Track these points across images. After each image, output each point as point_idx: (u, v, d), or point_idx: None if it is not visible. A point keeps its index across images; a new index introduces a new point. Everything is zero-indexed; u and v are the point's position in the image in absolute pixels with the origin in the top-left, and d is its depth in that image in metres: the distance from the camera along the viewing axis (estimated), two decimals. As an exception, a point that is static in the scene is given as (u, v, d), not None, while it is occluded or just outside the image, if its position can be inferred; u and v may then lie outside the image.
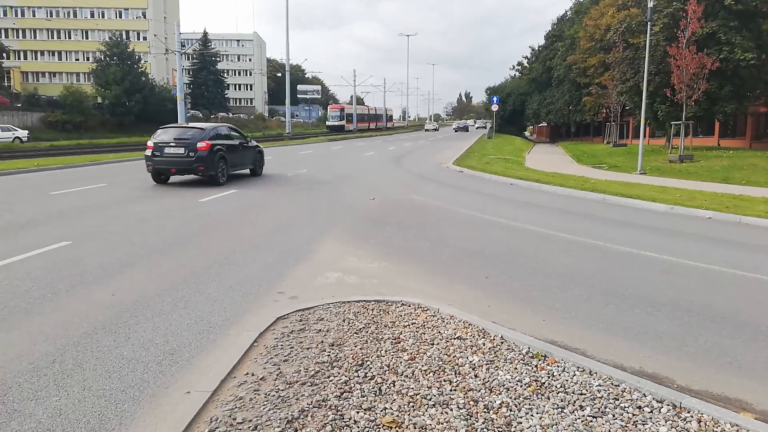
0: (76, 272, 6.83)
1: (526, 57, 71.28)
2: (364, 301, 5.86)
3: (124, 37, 63.72)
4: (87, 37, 77.51)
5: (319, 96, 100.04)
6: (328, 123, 77.51)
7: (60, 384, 4.02)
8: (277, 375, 4.11)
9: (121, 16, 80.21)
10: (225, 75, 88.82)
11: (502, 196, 15.40)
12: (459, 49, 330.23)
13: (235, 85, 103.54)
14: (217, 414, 3.56)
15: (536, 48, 67.25)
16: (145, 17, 79.22)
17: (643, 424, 3.50)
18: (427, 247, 8.77)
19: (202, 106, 75.71)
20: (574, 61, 46.75)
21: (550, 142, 63.76)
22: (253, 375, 4.11)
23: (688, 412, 3.64)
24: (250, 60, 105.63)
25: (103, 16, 79.13)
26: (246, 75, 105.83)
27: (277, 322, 5.23)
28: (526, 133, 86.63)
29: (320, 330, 5.02)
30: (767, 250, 9.03)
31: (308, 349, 4.60)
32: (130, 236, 9.10)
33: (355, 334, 4.94)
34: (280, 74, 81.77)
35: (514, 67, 76.75)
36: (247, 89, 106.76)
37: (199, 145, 15.05)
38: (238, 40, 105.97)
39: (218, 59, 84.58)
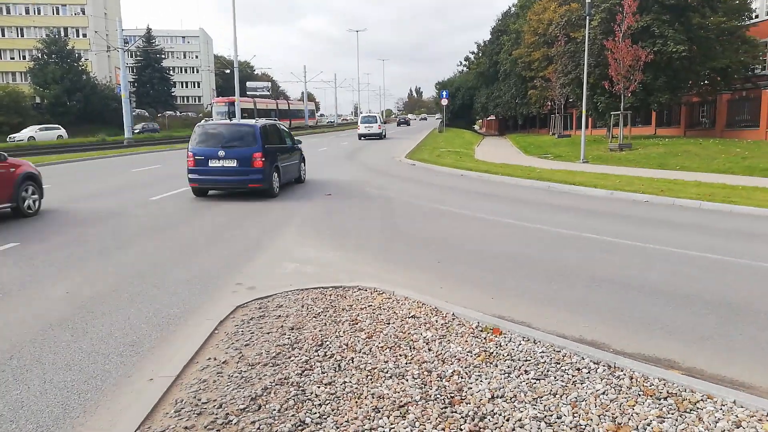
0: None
1: (473, 52, 72.55)
2: (322, 287, 6.04)
3: (62, 34, 61.18)
4: (22, 35, 73.91)
5: (269, 93, 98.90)
6: None
7: (19, 378, 4.03)
8: (239, 358, 4.25)
9: (58, 12, 76.89)
10: (171, 72, 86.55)
11: (453, 186, 15.80)
12: (409, 41, 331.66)
13: (182, 82, 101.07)
14: (181, 396, 3.67)
15: (482, 43, 68.56)
16: (84, 13, 76.17)
17: (581, 383, 3.83)
18: (382, 236, 9.01)
19: (148, 105, 73.63)
20: (519, 55, 47.98)
21: (499, 134, 65.22)
22: (215, 359, 4.23)
23: (622, 371, 4.00)
24: (196, 57, 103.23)
25: (39, 12, 75.63)
26: (193, 72, 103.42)
27: (237, 310, 5.35)
28: (476, 127, 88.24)
29: (280, 316, 5.18)
30: (697, 228, 9.69)
31: (269, 333, 4.75)
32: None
33: (314, 318, 5.12)
34: (228, 71, 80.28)
35: (461, 62, 77.92)
36: (194, 86, 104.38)
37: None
38: (184, 37, 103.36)
39: (163, 56, 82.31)
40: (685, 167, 18.49)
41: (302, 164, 16.12)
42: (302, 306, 5.45)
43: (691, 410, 3.46)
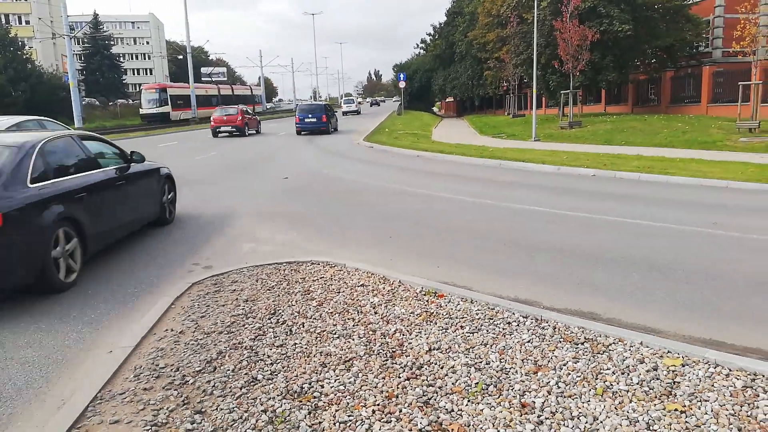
0: None
1: (430, 34, 72.89)
2: (276, 263, 6.30)
3: (3, 21, 58.47)
4: (-42, 23, 70.21)
5: (225, 78, 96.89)
6: (142, 111, 52.05)
7: (-20, 356, 4.18)
8: (195, 328, 4.50)
9: (-4, -2, 73.27)
10: (121, 59, 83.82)
11: (409, 167, 16.16)
12: (370, 25, 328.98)
13: (134, 69, 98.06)
14: (140, 363, 3.91)
15: (438, 25, 68.86)
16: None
17: (510, 334, 4.24)
18: (337, 216, 9.29)
19: (98, 93, 71.26)
20: (474, 37, 48.44)
21: (457, 116, 65.93)
22: (172, 330, 4.47)
23: (547, 323, 4.42)
24: (147, 43, 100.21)
25: (-25, -1, 71.97)
26: (144, 59, 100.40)
27: (193, 287, 5.57)
28: (435, 109, 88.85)
29: (234, 290, 5.43)
30: (634, 198, 10.31)
31: (224, 305, 5.00)
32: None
33: (268, 291, 5.39)
34: (181, 57, 78.30)
35: (418, 45, 78.08)
36: (146, 73, 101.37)
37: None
38: (133, 22, 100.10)
39: (112, 43, 79.52)
40: (629, 142, 19.32)
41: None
42: (257, 280, 5.71)
43: (603, 352, 3.90)
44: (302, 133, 30.36)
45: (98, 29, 77.17)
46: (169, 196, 8.73)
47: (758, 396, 3.25)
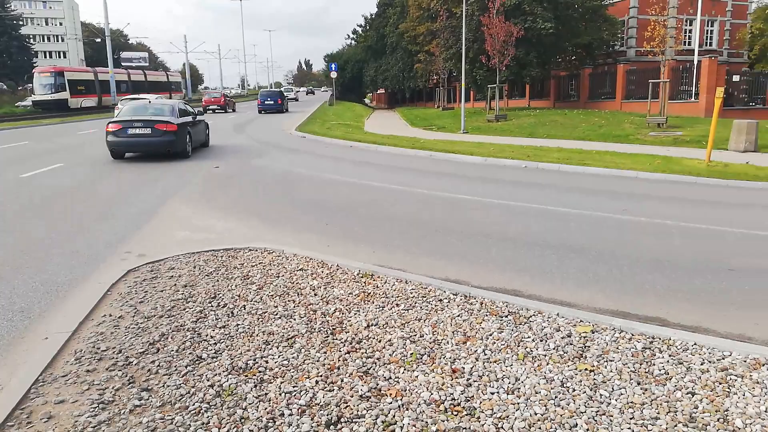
0: None
1: (360, 25, 72.79)
2: (213, 250, 6.34)
3: None
4: None
5: (147, 64, 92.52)
6: (34, 98, 45.05)
7: None
8: (135, 313, 4.52)
9: None
10: (32, 41, 78.32)
11: (342, 157, 16.32)
12: (300, 12, 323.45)
13: (46, 52, 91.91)
14: (80, 347, 3.92)
15: (369, 16, 68.97)
16: None
17: (442, 310, 4.56)
18: (272, 205, 9.35)
19: (5, 77, 66.37)
20: (405, 29, 48.99)
21: (389, 108, 66.48)
22: (110, 316, 4.47)
23: (475, 299, 4.79)
24: (60, 24, 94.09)
25: None
26: (58, 41, 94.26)
27: (128, 274, 5.54)
28: (367, 100, 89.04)
29: (172, 276, 5.45)
30: (554, 187, 10.99)
31: (162, 291, 5.03)
32: (-56, 215, 8.41)
33: (207, 277, 5.45)
34: (99, 40, 74.11)
35: (349, 36, 77.85)
36: (59, 57, 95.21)
37: None
38: (45, 2, 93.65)
39: (22, 23, 74.15)
40: (551, 135, 20.36)
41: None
42: (194, 267, 5.75)
43: (524, 323, 4.29)
44: (263, 112, 39.69)
45: (5, 8, 71.76)
46: (207, 132, 17.89)
47: (655, 355, 3.72)
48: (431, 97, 57.65)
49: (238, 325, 4.28)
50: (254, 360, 3.70)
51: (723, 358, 3.66)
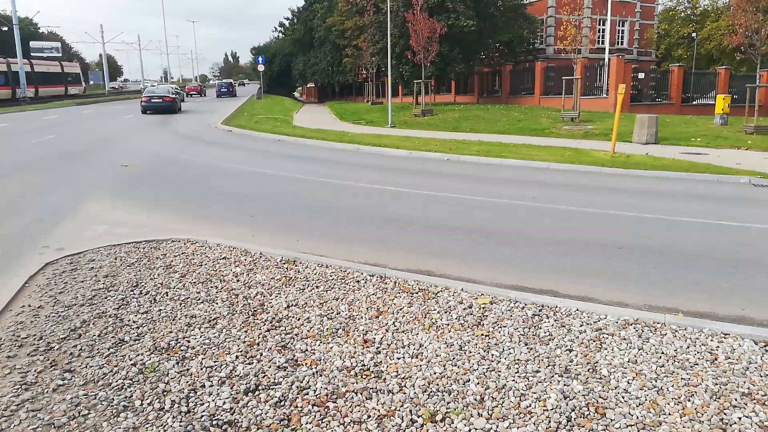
0: None
1: (288, 18, 71.90)
2: (135, 242, 6.38)
3: None
4: None
5: (60, 54, 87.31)
6: None
7: None
8: (55, 303, 4.57)
9: None
10: (-74, 27, 71.91)
11: (270, 151, 16.35)
12: (226, 2, 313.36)
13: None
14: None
15: (297, 9, 68.25)
16: None
17: (358, 290, 4.90)
18: (196, 198, 9.37)
19: None
20: (333, 23, 48.98)
21: (319, 102, 66.25)
22: (30, 306, 4.50)
23: (389, 279, 5.16)
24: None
25: None
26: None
27: (46, 267, 5.51)
28: (297, 94, 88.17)
29: (93, 267, 5.48)
30: (473, 178, 11.60)
31: (83, 282, 5.07)
32: None
33: (128, 267, 5.52)
34: (6, 28, 69.13)
35: (276, 28, 76.70)
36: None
37: None
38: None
39: None
40: (474, 129, 21.21)
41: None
42: (115, 258, 5.79)
43: (432, 298, 4.70)
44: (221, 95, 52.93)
45: None
46: (181, 103, 35.32)
47: (542, 320, 4.22)
48: (361, 91, 57.95)
49: (160, 310, 4.43)
50: (177, 340, 3.89)
51: (599, 321, 4.20)
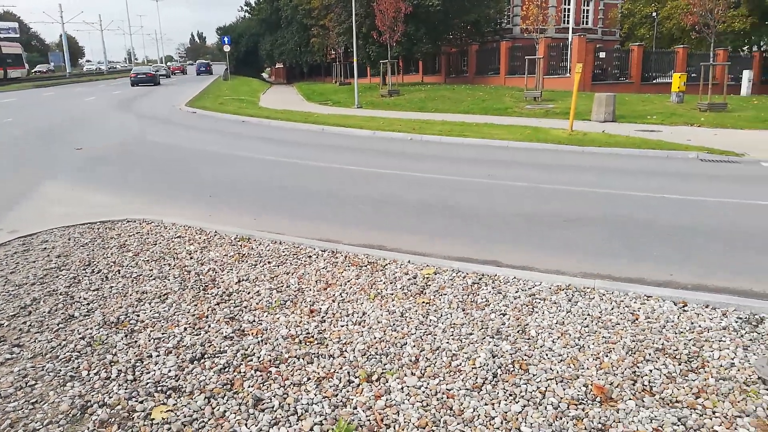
0: None
1: (254, -3, 70.48)
2: (90, 222, 6.40)
3: None
4: None
5: (18, 35, 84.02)
6: None
7: None
8: (6, 282, 4.61)
9: None
10: None
11: (234, 132, 16.25)
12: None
13: None
14: (-53, 316, 4.00)
15: (262, -12, 66.88)
16: None
17: (309, 264, 5.05)
18: (154, 179, 9.35)
19: None
20: (299, 2, 48.26)
21: (287, 82, 65.41)
22: (-21, 286, 4.53)
23: (340, 253, 5.32)
24: None
25: None
26: None
27: (-2, 248, 5.51)
28: (265, 75, 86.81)
29: (45, 248, 5.51)
30: (434, 157, 11.79)
31: (34, 262, 5.11)
32: None
33: (82, 247, 5.56)
34: (-44, 7, 66.05)
35: (242, 8, 75.15)
36: None
37: None
38: None
39: None
40: (439, 109, 21.38)
41: None
42: (69, 239, 5.81)
43: (380, 270, 4.88)
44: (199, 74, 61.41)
45: None
46: (161, 78, 47.88)
47: (480, 288, 4.45)
48: (330, 72, 57.37)
49: (111, 287, 4.52)
50: (126, 315, 3.99)
51: (534, 287, 4.45)
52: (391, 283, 4.57)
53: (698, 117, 16.86)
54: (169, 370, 3.27)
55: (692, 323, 3.85)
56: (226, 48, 48.31)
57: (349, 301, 4.23)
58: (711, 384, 3.12)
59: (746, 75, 27.02)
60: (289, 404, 2.96)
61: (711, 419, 2.82)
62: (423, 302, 4.19)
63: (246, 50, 70.22)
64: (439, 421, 2.83)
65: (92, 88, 41.84)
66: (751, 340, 3.62)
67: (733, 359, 3.37)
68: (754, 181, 9.10)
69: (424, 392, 3.07)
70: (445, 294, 4.33)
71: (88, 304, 4.18)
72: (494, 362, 3.33)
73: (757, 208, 7.28)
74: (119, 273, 4.83)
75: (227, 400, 2.99)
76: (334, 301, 4.25)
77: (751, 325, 3.83)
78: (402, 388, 3.10)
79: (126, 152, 12.13)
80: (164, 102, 27.24)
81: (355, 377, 3.22)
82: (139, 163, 10.90)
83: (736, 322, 3.86)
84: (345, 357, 3.44)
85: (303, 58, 56.29)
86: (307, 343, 3.61)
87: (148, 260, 5.17)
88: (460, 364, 3.35)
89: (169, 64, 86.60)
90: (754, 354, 3.43)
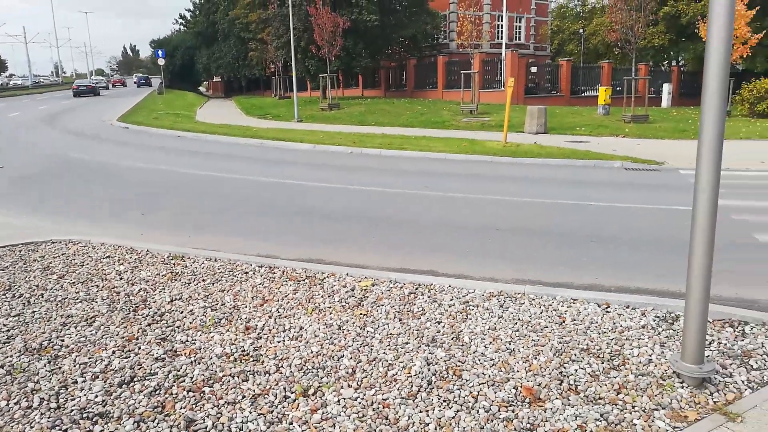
0: None
1: (189, 10, 69.14)
2: (11, 245, 6.07)
3: None
4: None
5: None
6: None
7: None
8: None
9: None
10: None
11: (169, 147, 15.83)
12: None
13: None
14: None
15: (198, 1, 65.78)
16: None
17: (245, 281, 4.99)
18: (83, 199, 8.99)
19: None
20: (236, 16, 47.73)
21: (225, 96, 64.30)
22: None
23: (278, 269, 5.28)
24: None
25: None
26: None
27: None
28: (202, 89, 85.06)
29: (-40, 273, 5.18)
30: (373, 170, 11.90)
31: (-52, 288, 4.79)
32: None
33: (1, 271, 5.27)
34: None
35: (177, 20, 73.57)
36: None
37: None
38: None
39: None
40: (379, 123, 21.60)
41: None
42: (-12, 263, 5.49)
43: (318, 283, 4.88)
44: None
45: None
46: (100, 89, 53.98)
47: (417, 297, 4.53)
48: (269, 85, 56.87)
49: (34, 312, 4.31)
50: (50, 340, 3.81)
51: (468, 294, 4.57)
52: (329, 296, 4.57)
53: (623, 128, 17.81)
54: (96, 396, 3.15)
55: (614, 323, 4.06)
56: (161, 61, 47.06)
57: (286, 317, 4.21)
58: (631, 380, 3.30)
59: (666, 88, 28.81)
60: (222, 423, 2.91)
61: (630, 413, 2.99)
62: (360, 314, 4.22)
63: (182, 63, 68.70)
64: (375, 430, 2.86)
65: (15, 103, 39.75)
66: (667, 337, 3.86)
67: (651, 356, 3.58)
68: (672, 189, 9.69)
69: (360, 403, 3.09)
70: (383, 305, 4.38)
71: (8, 330, 3.97)
72: (429, 370, 3.40)
73: (675, 213, 7.76)
74: (42, 297, 4.61)
75: (157, 423, 2.91)
76: (270, 317, 4.21)
77: (668, 322, 4.08)
78: (339, 401, 3.11)
79: (51, 171, 11.59)
80: (95, 116, 26.21)
81: (292, 392, 3.21)
82: (66, 182, 10.44)
83: (654, 320, 4.10)
84: (281, 373, 3.42)
85: (241, 72, 55.56)
86: (243, 361, 3.57)
87: (74, 282, 4.95)
88: (396, 373, 3.39)
89: (112, 77, 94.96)
90: (670, 350, 3.65)
